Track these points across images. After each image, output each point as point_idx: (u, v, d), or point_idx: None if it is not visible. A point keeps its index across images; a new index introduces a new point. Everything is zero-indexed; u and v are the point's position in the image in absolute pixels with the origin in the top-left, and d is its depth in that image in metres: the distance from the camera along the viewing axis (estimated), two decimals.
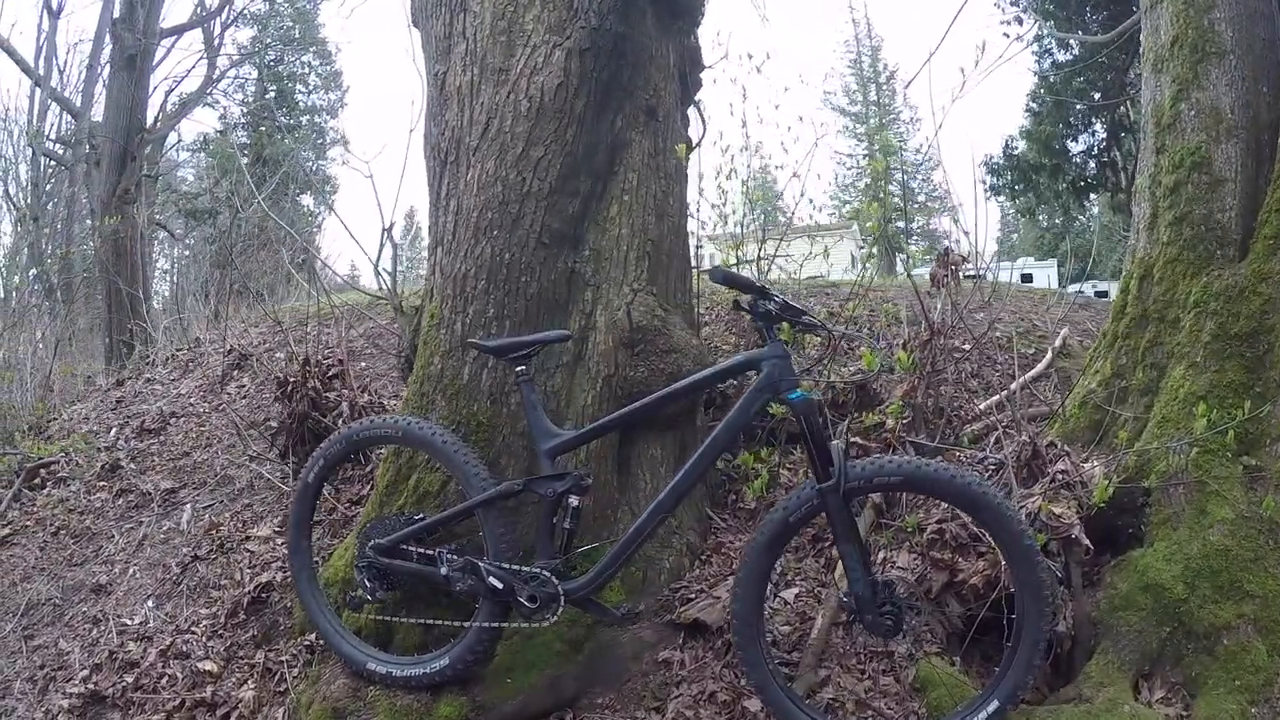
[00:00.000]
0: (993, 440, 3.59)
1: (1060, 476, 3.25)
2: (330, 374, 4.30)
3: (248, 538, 4.14)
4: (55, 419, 5.88)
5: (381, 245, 4.08)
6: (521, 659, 3.04)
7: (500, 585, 2.82)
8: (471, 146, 3.43)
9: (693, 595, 3.27)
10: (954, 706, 2.78)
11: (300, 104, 28.81)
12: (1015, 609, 2.64)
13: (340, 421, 4.17)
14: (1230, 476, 2.99)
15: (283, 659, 3.38)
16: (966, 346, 4.23)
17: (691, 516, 3.53)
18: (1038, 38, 12.05)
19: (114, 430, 5.44)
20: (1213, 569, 2.89)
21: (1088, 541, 3.11)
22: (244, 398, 5.46)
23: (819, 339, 3.92)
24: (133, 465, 5.00)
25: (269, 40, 25.02)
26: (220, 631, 3.61)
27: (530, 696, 3.01)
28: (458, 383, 3.27)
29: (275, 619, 3.58)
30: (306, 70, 29.11)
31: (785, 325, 2.91)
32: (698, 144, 4.06)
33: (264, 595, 3.68)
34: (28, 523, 4.75)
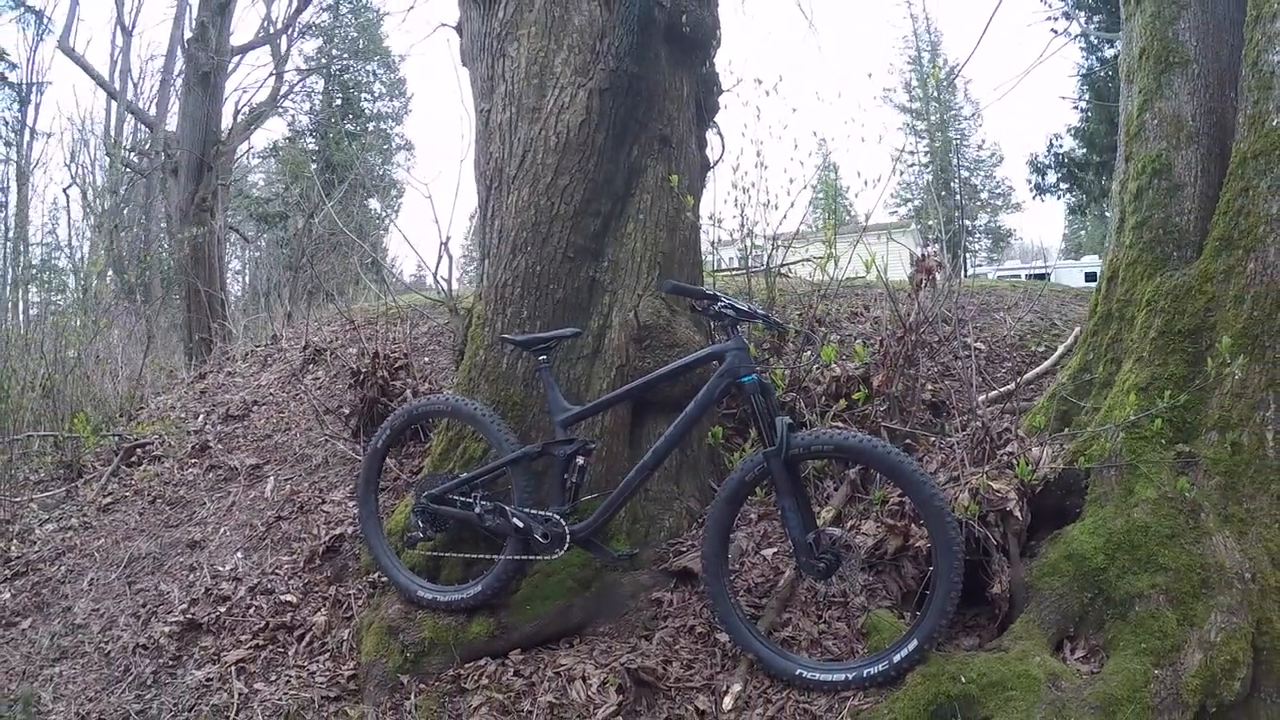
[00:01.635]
0: (963, 426, 4.40)
1: (1006, 457, 4.06)
2: (396, 366, 5.68)
3: (323, 501, 5.48)
4: (144, 407, 7.48)
5: (440, 257, 5.48)
6: (539, 592, 4.06)
7: (521, 525, 3.97)
8: (510, 175, 4.56)
9: (684, 549, 4.48)
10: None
11: (366, 111, 31.91)
12: (931, 563, 3.47)
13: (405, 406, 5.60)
14: (1161, 461, 3.53)
15: (350, 593, 4.61)
16: (975, 341, 5.23)
17: (694, 485, 4.52)
18: (1083, 34, 12.58)
19: (201, 416, 6.95)
20: (1132, 543, 3.43)
21: (1019, 514, 3.87)
22: (319, 388, 6.87)
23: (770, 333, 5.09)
24: (220, 446, 6.47)
25: (335, 51, 27.18)
26: (299, 573, 4.84)
27: (545, 621, 4.14)
28: (498, 370, 4.49)
29: (345, 563, 4.81)
30: (371, 78, 32.25)
31: (757, 323, 4.12)
32: (716, 162, 5.27)
33: (337, 545, 4.91)
34: (127, 493, 6.19)
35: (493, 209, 4.67)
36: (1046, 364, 5.12)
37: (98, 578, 5.25)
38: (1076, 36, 12.63)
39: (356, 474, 5.21)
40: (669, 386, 4.09)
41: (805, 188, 5.26)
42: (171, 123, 16.48)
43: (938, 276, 4.54)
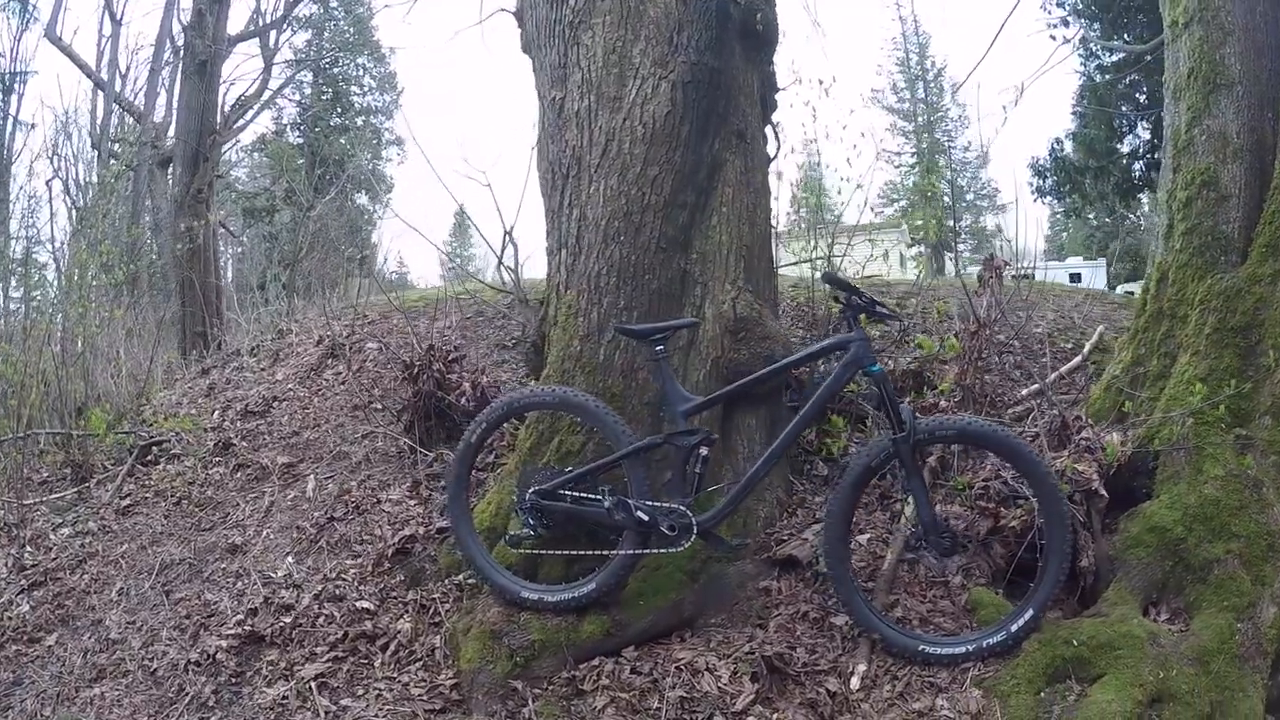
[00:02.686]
0: (1030, 418, 4.51)
1: (1083, 442, 4.13)
2: (450, 359, 5.09)
3: (379, 501, 4.91)
4: (147, 404, 6.58)
5: (504, 245, 4.90)
6: (650, 586, 3.88)
7: (646, 518, 3.67)
8: (592, 164, 4.32)
9: (784, 537, 4.13)
10: (994, 621, 3.62)
11: (356, 105, 29.60)
12: (1044, 537, 3.57)
13: (463, 400, 4.97)
14: (1223, 443, 3.73)
15: (434, 596, 4.17)
16: (1005, 339, 5.08)
17: (780, 479, 4.42)
18: (1084, 40, 12.70)
19: (216, 413, 6.17)
20: (1206, 515, 3.63)
21: (1104, 492, 3.96)
22: (342, 383, 6.23)
23: (887, 328, 4.79)
24: (244, 443, 5.76)
25: (325, 45, 25.68)
26: (369, 578, 4.38)
27: (658, 616, 3.85)
28: (594, 361, 4.13)
29: (421, 565, 4.36)
30: (361, 72, 29.87)
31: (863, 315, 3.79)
32: (773, 159, 4.95)
33: (407, 547, 4.46)
34: (146, 495, 5.48)
35: (568, 198, 4.43)
36: (1077, 359, 5.25)
37: (128, 587, 4.67)
38: (1076, 43, 12.60)
39: (412, 476, 4.52)
40: (772, 378, 3.96)
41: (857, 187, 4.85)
42: (159, 114, 14.96)
43: (1006, 275, 4.25)
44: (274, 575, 4.57)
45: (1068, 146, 13.52)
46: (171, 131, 13.46)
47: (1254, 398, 3.79)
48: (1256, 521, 3.59)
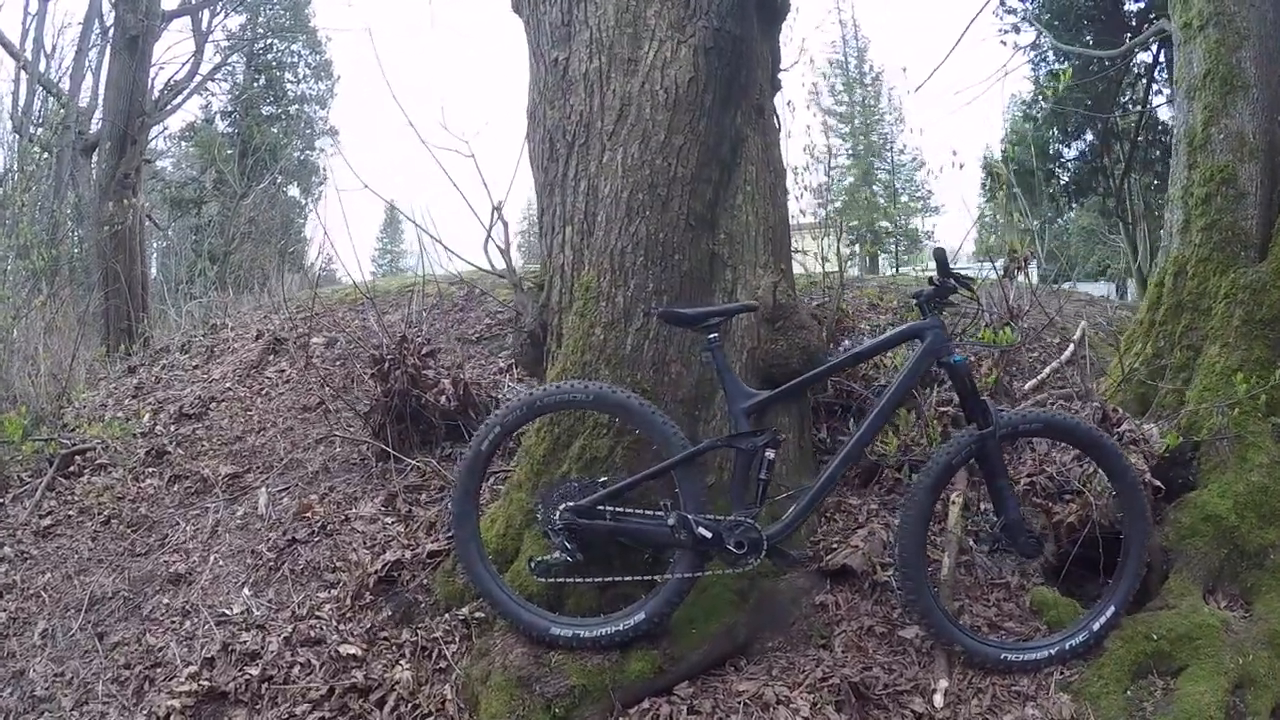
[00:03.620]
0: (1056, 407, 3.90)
1: (1127, 434, 3.60)
2: (424, 351, 4.08)
3: (347, 519, 3.88)
4: (68, 407, 5.24)
5: (493, 222, 3.90)
6: (699, 610, 3.06)
7: (710, 534, 2.84)
8: (606, 130, 3.44)
9: (833, 545, 3.35)
10: (1068, 622, 3.10)
11: (290, 93, 26.10)
12: (1123, 530, 3.10)
13: (442, 400, 3.98)
14: (1263, 431, 3.43)
15: (435, 636, 3.21)
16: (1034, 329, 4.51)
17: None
18: (1034, 46, 12.39)
19: (147, 416, 4.92)
20: (1256, 502, 3.31)
21: (1157, 482, 3.46)
22: (287, 382, 5.08)
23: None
24: (180, 451, 4.58)
25: (259, 29, 22.34)
26: (349, 615, 3.38)
27: (713, 644, 3.04)
28: (620, 352, 3.25)
29: (412, 598, 3.39)
30: (296, 59, 26.33)
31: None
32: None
33: (392, 575, 3.47)
34: (70, 512, 4.27)
35: (575, 168, 3.53)
36: (1066, 354, 4.63)
37: (53, 628, 3.58)
38: (1031, 49, 12.20)
39: (384, 488, 3.54)
40: (846, 367, 3.47)
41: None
42: (84, 99, 12.69)
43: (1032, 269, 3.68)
44: (229, 612, 3.50)
45: (1018, 149, 13.36)
46: (98, 115, 11.43)
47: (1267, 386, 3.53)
48: None
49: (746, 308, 3.12)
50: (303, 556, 3.72)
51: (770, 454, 2.90)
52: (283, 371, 5.19)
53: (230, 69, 21.93)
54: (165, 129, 19.09)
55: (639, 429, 3.00)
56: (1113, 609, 3.02)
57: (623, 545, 3.04)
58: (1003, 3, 11.60)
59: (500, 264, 3.90)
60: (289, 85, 25.78)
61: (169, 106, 12.17)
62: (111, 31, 10.26)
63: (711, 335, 2.96)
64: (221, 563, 3.81)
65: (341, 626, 3.30)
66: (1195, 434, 3.48)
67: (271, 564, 3.72)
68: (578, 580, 3.00)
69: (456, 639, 3.17)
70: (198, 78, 13.74)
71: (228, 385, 5.16)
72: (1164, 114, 11.38)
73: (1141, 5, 11.06)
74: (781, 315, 3.42)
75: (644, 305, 3.25)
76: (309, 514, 3.93)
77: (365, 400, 4.34)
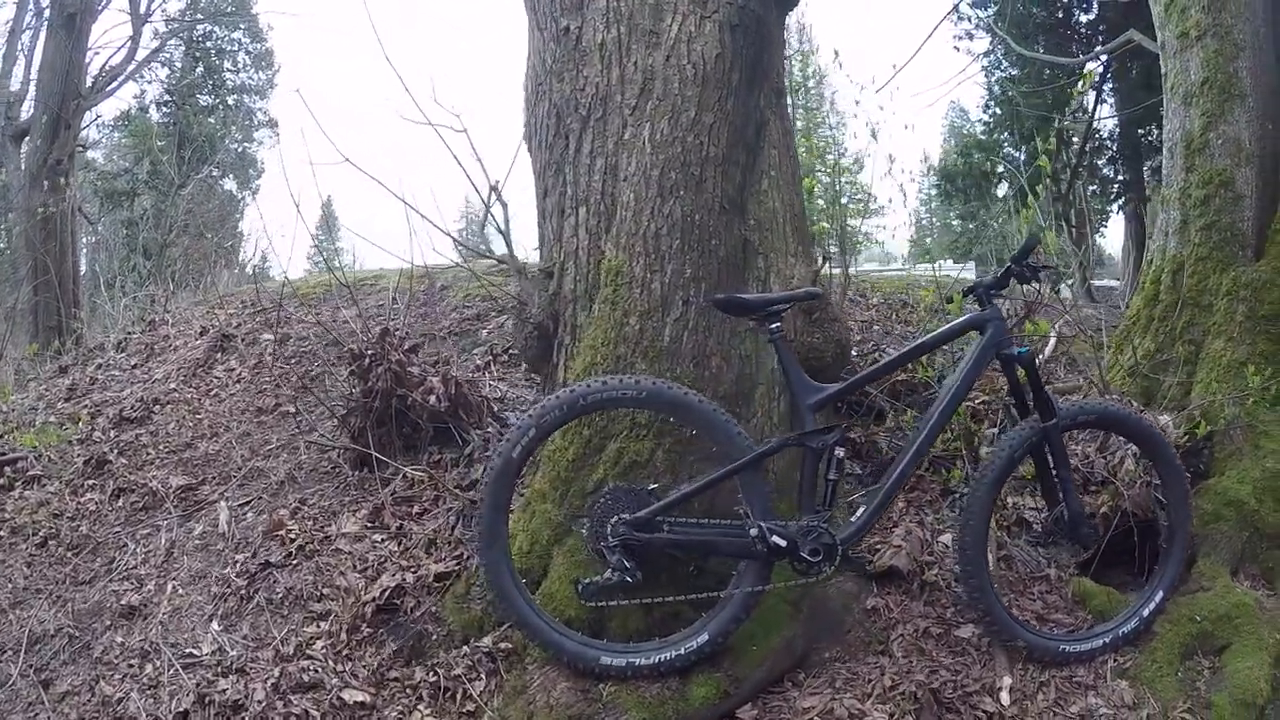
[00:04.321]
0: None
1: None
2: (408, 346, 3.43)
3: (328, 537, 3.20)
4: None
5: (490, 203, 3.28)
6: (757, 626, 2.62)
7: (784, 543, 2.41)
8: (628, 105, 2.92)
9: (876, 546, 2.94)
10: (1112, 610, 2.87)
11: (229, 82, 23.03)
12: (1168, 518, 2.91)
13: (432, 399, 3.35)
14: (1273, 420, 3.31)
15: (455, 673, 2.62)
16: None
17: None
18: (988, 53, 12.18)
19: (84, 421, 4.03)
20: (1272, 487, 3.17)
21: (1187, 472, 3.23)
22: (237, 382, 4.27)
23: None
24: (123, 460, 3.75)
25: (198, 14, 19.42)
26: (347, 652, 2.74)
27: (775, 660, 2.61)
28: (659, 344, 2.74)
29: (419, 628, 2.77)
30: (236, 47, 23.22)
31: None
32: None
33: (394, 603, 2.84)
34: (0, 533, 3.38)
35: (591, 145, 2.98)
36: (1047, 350, 4.39)
37: None
38: (987, 56, 11.88)
39: (366, 500, 2.94)
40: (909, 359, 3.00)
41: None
42: (15, 84, 10.74)
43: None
44: (198, 653, 2.80)
45: (976, 154, 13.15)
46: (29, 104, 9.75)
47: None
48: None
49: (810, 295, 2.67)
50: (280, 583, 3.03)
51: (840, 452, 2.47)
52: (233, 370, 4.38)
53: (168, 55, 19.43)
54: (98, 117, 16.79)
55: (698, 429, 2.51)
56: (1161, 594, 2.83)
57: (671, 559, 2.54)
58: (958, 11, 11.57)
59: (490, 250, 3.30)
60: (228, 74, 23.07)
61: (105, 91, 10.61)
62: (48, 10, 8.82)
63: (775, 325, 2.51)
64: (182, 591, 3.08)
65: (340, 667, 2.65)
66: (1212, 423, 3.32)
67: (243, 592, 3.02)
68: (626, 602, 2.49)
69: (482, 675, 2.59)
70: (134, 63, 12.08)
71: (172, 386, 4.30)
72: (1109, 123, 11.62)
73: (1091, 17, 11.22)
74: (817, 306, 3.00)
75: (682, 292, 2.75)
76: (281, 532, 3.23)
77: (338, 400, 3.64)
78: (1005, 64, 11.37)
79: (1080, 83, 3.76)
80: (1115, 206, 13.58)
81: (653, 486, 2.51)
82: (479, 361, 4.22)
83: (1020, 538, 3.13)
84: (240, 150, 22.56)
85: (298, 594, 2.99)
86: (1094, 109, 11.18)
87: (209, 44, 21.47)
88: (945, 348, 3.53)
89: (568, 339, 2.97)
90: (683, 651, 2.42)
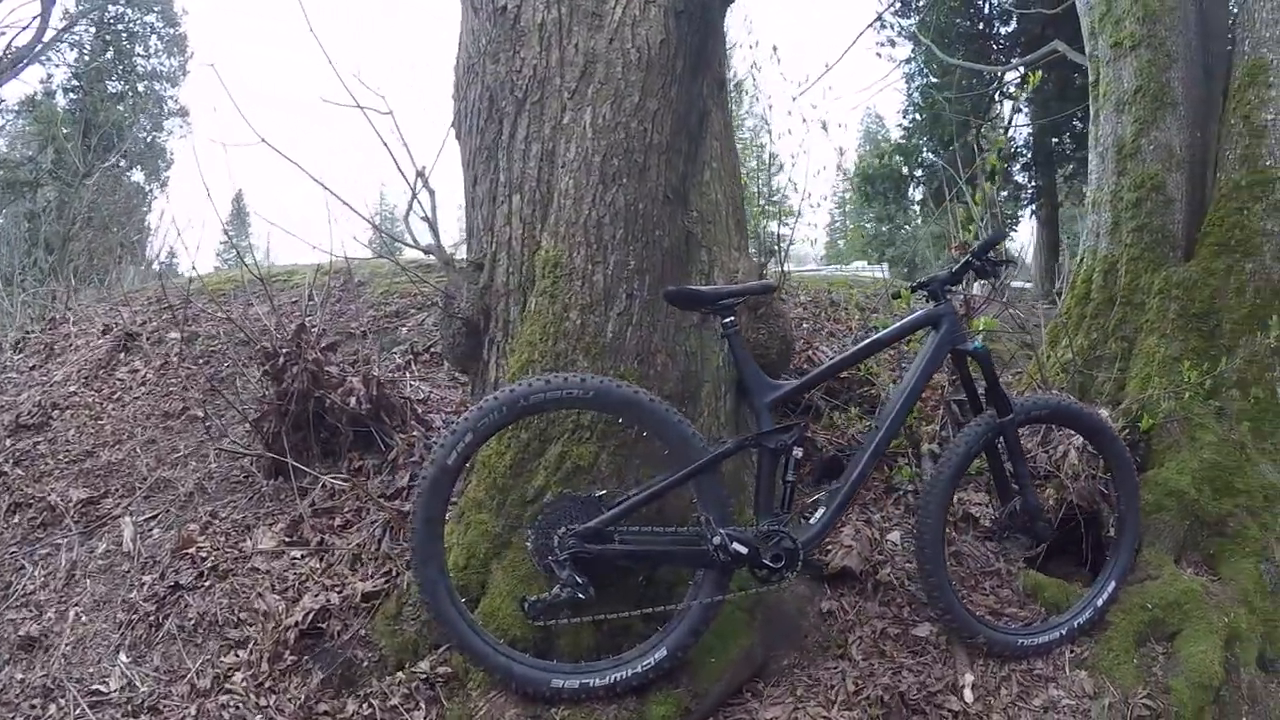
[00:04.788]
0: None
1: None
2: (324, 345, 3.03)
3: (243, 554, 2.80)
4: None
5: (416, 190, 2.91)
6: (714, 638, 2.35)
7: (745, 550, 2.15)
8: (568, 88, 2.61)
9: (828, 547, 2.71)
10: (1064, 602, 2.75)
11: (139, 69, 20.87)
12: (1118, 509, 2.78)
13: (352, 402, 2.97)
14: (1207, 413, 3.26)
15: (392, 703, 2.29)
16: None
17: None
18: (909, 60, 12.01)
19: None
20: (1210, 476, 3.11)
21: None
22: (142, 385, 3.77)
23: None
24: (19, 471, 3.26)
25: None
26: (270, 684, 2.38)
27: (735, 672, 2.36)
28: (601, 340, 2.44)
29: (348, 655, 2.42)
30: (149, 31, 21.07)
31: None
32: None
33: (318, 627, 2.47)
34: None
35: (526, 130, 2.66)
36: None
37: None
38: (908, 64, 11.61)
39: (281, 512, 2.59)
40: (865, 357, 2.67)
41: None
42: None
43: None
44: (105, 689, 2.41)
45: (896, 157, 12.97)
46: None
47: (1220, 373, 3.42)
48: (1250, 477, 3.15)
49: (767, 288, 2.40)
50: (192, 607, 2.62)
51: (798, 452, 2.22)
52: (137, 372, 3.87)
53: (77, 37, 17.60)
54: (1, 101, 15.25)
55: (649, 431, 2.22)
56: (1113, 584, 2.70)
57: (621, 571, 2.25)
58: (881, 20, 11.45)
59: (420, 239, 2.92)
60: (139, 59, 21.02)
61: (9, 73, 9.50)
62: None
63: (728, 319, 2.24)
64: (85, 619, 2.64)
65: (262, 701, 2.28)
66: (1152, 417, 3.24)
67: (152, 619, 2.60)
68: (576, 620, 2.19)
69: (421, 704, 2.26)
70: (41, 44, 10.84)
71: (72, 389, 3.78)
72: (1024, 131, 11.60)
73: (1011, 29, 11.23)
74: (762, 301, 2.75)
75: (625, 285, 2.46)
76: (191, 550, 2.82)
77: (251, 403, 3.21)
78: (926, 71, 11.36)
79: (1026, 83, 3.64)
80: (1028, 211, 13.85)
81: (600, 493, 2.21)
82: (399, 361, 3.84)
83: (968, 533, 2.96)
84: (149, 140, 20.73)
85: (212, 619, 2.58)
86: (1011, 117, 11.31)
87: (120, 27, 19.77)
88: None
89: (500, 335, 2.64)
90: (640, 669, 2.14)
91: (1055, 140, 11.30)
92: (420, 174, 2.95)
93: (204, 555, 2.80)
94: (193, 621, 2.58)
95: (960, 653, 2.50)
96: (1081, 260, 3.86)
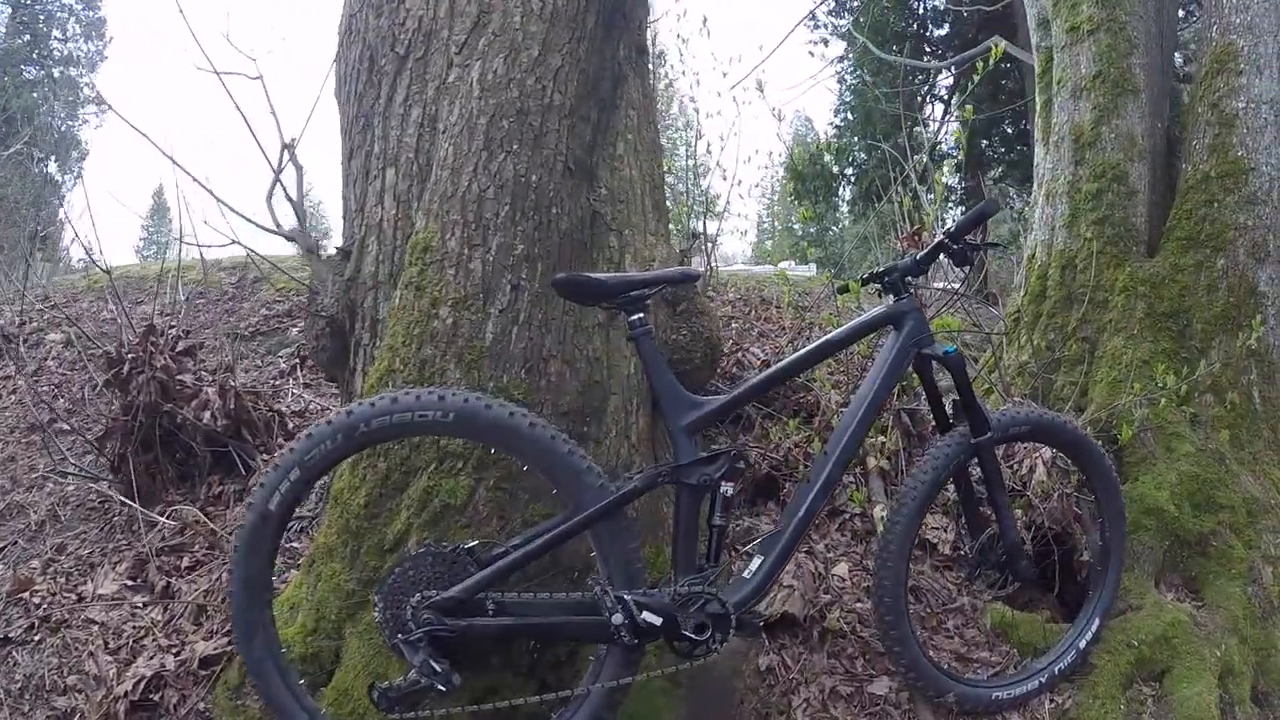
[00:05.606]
0: None
1: None
2: (179, 349, 2.32)
3: (81, 599, 2.08)
4: None
5: (282, 165, 2.22)
6: (626, 718, 1.64)
7: (659, 620, 1.46)
8: (456, 41, 1.96)
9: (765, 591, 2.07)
10: (1039, 641, 2.19)
11: (55, 53, 18.38)
12: (1102, 535, 2.19)
13: (206, 416, 2.26)
14: (1182, 421, 2.74)
15: None
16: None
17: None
18: (842, 58, 11.17)
19: None
20: (1189, 491, 2.59)
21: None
22: (13, 394, 3.00)
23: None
24: None
25: None
26: None
27: None
28: (478, 343, 1.77)
29: None
30: (66, 14, 18.63)
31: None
32: None
33: (151, 696, 1.78)
34: None
35: (407, 91, 2.02)
36: None
37: None
38: (842, 61, 10.89)
39: (134, 548, 1.92)
40: (811, 363, 1.93)
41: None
42: None
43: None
44: None
45: (826, 155, 12.29)
46: None
47: (1193, 377, 2.93)
48: (1233, 490, 2.62)
49: (687, 276, 1.72)
50: (20, 666, 1.92)
51: (728, 488, 1.57)
52: (8, 379, 3.08)
53: None
54: None
55: (531, 464, 1.55)
56: (1098, 622, 2.13)
57: (500, 639, 1.60)
58: (814, 18, 10.85)
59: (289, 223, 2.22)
60: (55, 43, 18.54)
61: None
62: None
63: (637, 316, 1.58)
64: None
65: None
66: (1128, 426, 2.63)
67: None
68: (442, 712, 1.52)
69: None
70: None
71: None
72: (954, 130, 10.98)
73: (945, 32, 10.70)
74: (684, 296, 2.11)
75: (510, 275, 1.80)
76: (27, 594, 2.10)
77: (102, 418, 2.49)
78: (860, 70, 10.81)
79: (976, 73, 3.11)
80: (958, 213, 13.42)
81: (470, 545, 1.54)
82: (284, 366, 3.12)
83: (926, 562, 2.34)
84: (63, 129, 18.17)
85: (39, 683, 1.88)
86: (943, 118, 10.76)
87: (38, 7, 17.71)
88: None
89: (366, 337, 1.97)
90: None
91: (985, 142, 10.84)
92: (287, 146, 2.25)
93: (39, 601, 2.08)
94: (19, 685, 1.87)
95: (925, 712, 1.90)
96: (1034, 256, 3.28)
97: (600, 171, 2.08)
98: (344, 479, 1.78)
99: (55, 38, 18.74)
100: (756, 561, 1.62)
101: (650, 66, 2.57)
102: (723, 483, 1.55)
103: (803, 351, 1.72)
